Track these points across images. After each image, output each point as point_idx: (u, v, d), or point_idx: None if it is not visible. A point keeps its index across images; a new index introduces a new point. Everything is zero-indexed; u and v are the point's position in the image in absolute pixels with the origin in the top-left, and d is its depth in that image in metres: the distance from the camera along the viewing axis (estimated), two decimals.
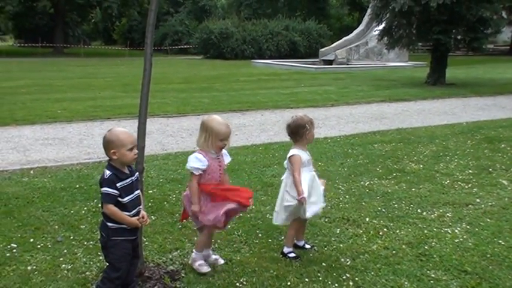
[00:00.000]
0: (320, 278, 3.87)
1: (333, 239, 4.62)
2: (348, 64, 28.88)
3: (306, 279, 3.85)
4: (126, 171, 3.35)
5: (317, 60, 31.32)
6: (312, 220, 4.92)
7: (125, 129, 3.39)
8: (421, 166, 7.10)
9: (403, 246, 4.48)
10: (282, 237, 4.52)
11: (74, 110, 11.96)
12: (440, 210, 5.38)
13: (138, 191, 3.43)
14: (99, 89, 16.61)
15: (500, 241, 4.59)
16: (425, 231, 4.81)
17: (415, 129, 10.09)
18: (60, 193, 5.80)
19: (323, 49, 32.19)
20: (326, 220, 5.06)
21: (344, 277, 3.89)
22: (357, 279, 3.87)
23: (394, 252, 4.36)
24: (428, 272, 4.01)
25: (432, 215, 5.24)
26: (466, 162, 7.35)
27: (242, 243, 4.51)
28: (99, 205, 3.40)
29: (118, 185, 3.25)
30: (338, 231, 4.79)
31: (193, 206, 3.82)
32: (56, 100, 13.59)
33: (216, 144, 3.79)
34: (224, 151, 3.94)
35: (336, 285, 3.77)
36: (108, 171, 3.28)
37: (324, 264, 4.10)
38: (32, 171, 6.77)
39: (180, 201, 5.59)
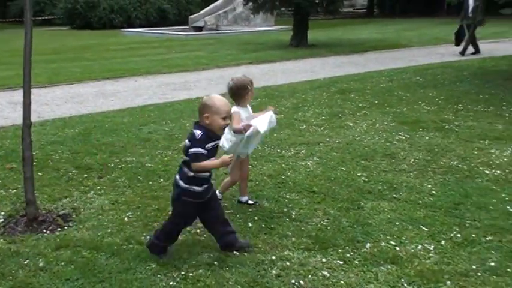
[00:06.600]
0: None
1: None
2: (217, 30, 29.53)
3: None
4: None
5: (187, 27, 31.63)
6: None
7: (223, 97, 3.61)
8: (282, 116, 8.00)
9: (265, 177, 5.33)
10: (162, 180, 5.19)
11: None
12: (296, 149, 6.31)
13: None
14: None
15: (342, 168, 5.60)
16: (283, 165, 5.70)
17: (279, 86, 11.05)
18: None
19: (192, 16, 32.52)
20: None
21: None
22: (226, 204, 4.63)
23: (257, 183, 5.18)
24: (284, 194, 4.88)
25: (289, 153, 6.16)
26: (320, 110, 8.40)
27: (126, 187, 5.09)
28: None
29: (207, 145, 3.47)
30: None
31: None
32: None
33: None
34: None
35: None
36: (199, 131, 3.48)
37: None
38: None
39: (64, 159, 6.03)
